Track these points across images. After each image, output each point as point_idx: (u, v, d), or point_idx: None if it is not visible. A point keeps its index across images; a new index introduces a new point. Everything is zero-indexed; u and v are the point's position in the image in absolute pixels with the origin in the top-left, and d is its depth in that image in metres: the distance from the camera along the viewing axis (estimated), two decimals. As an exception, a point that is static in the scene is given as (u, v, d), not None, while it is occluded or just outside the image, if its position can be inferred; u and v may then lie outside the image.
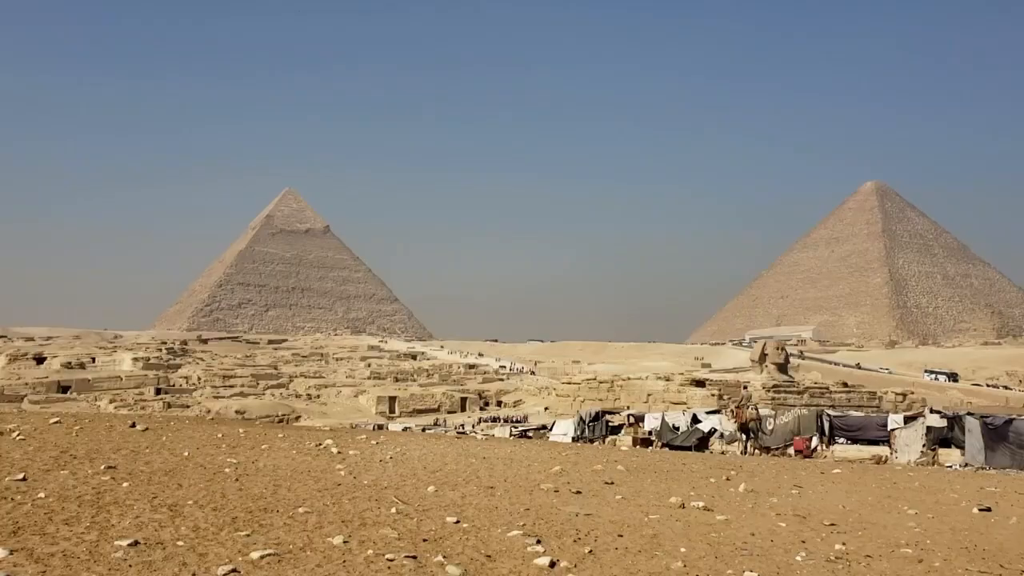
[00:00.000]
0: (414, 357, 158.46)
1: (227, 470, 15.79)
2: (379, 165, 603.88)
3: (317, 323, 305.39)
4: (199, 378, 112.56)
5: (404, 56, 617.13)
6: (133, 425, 24.15)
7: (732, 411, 37.33)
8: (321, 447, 21.33)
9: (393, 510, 12.53)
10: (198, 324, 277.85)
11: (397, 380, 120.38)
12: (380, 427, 61.11)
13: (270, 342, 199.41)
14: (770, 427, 36.08)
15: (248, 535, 10.17)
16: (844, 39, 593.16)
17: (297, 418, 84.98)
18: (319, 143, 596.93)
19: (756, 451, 33.94)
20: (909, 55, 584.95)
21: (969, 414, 31.72)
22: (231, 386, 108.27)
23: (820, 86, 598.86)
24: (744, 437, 35.33)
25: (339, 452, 20.39)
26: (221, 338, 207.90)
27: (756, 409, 35.60)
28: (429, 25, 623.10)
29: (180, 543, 9.57)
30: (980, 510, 15.51)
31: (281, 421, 75.19)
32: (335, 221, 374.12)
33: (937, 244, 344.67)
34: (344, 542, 10.06)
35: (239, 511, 11.67)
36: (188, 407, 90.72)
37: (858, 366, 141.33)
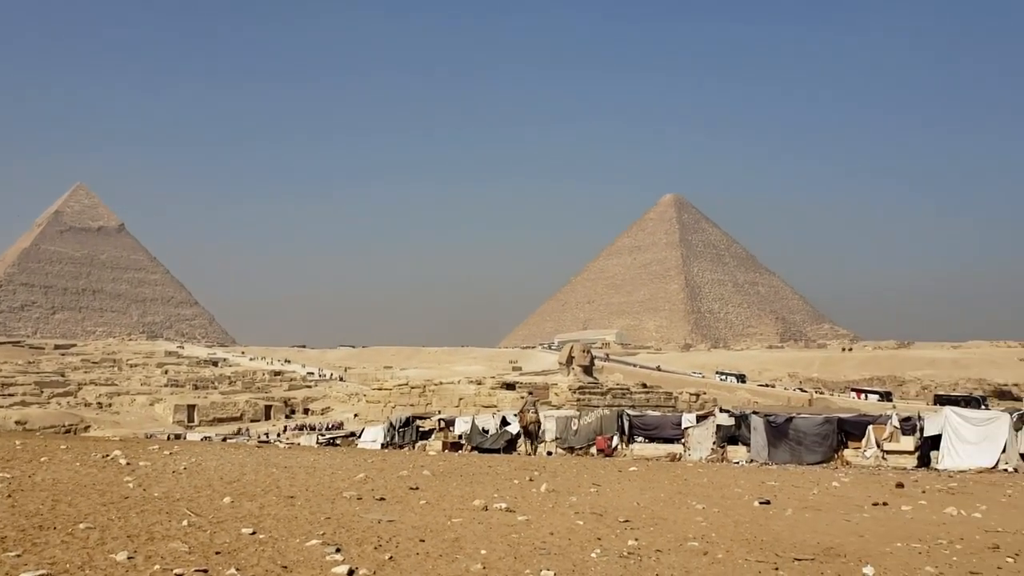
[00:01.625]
0: (215, 364, 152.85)
1: (-1, 486, 14.52)
2: (178, 162, 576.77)
3: (110, 327, 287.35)
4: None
5: (187, 46, 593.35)
6: None
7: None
8: (108, 459, 20.04)
9: (185, 523, 11.94)
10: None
11: (197, 388, 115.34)
12: (177, 437, 58.37)
13: (57, 347, 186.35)
14: (574, 427, 37.23)
15: (18, 555, 9.37)
16: (646, 58, 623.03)
17: (86, 428, 79.66)
18: (113, 135, 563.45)
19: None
20: (705, 75, 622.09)
21: (754, 413, 33.83)
22: (11, 395, 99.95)
23: (629, 99, 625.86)
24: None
25: (128, 464, 19.23)
26: (1, 343, 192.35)
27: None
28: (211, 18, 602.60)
29: (-64, 569, 8.70)
30: (760, 503, 16.57)
31: (68, 431, 70.32)
32: (131, 220, 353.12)
33: (728, 254, 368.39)
34: (129, 558, 9.47)
35: (10, 530, 10.75)
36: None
37: (658, 368, 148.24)
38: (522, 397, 68.88)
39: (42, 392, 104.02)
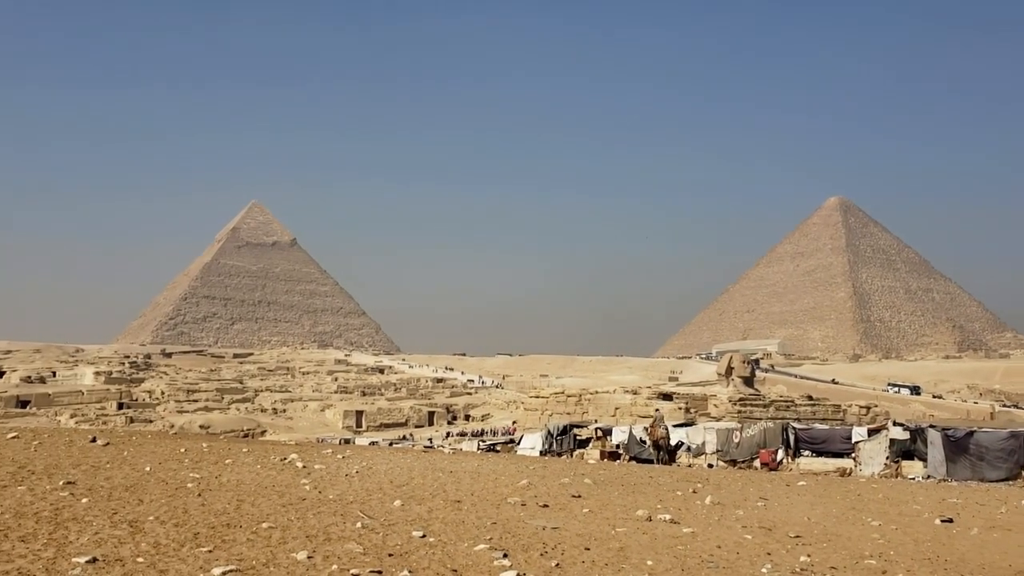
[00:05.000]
0: (381, 371, 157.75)
1: (189, 485, 15.56)
2: (347, 178, 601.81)
3: (283, 337, 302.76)
4: (163, 392, 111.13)
5: (374, 68, 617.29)
6: (93, 440, 23.73)
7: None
8: (286, 462, 21.10)
9: (358, 525, 12.41)
10: (162, 338, 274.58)
11: (364, 394, 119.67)
12: (347, 441, 60.71)
13: (235, 356, 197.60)
14: (736, 440, 36.37)
15: (210, 551, 10.01)
16: (810, 56, 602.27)
17: (262, 433, 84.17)
18: (287, 155, 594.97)
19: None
20: (873, 73, 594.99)
21: (931, 427, 32.07)
22: (195, 400, 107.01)
23: (786, 102, 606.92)
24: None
25: (304, 467, 20.18)
26: (186, 352, 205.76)
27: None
28: (398, 35, 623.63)
29: (140, 559, 9.40)
30: (942, 521, 15.67)
31: (246, 436, 74.47)
32: (302, 234, 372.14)
33: (899, 259, 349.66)
34: (308, 557, 9.94)
35: (201, 527, 11.49)
36: (151, 422, 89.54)
37: (834, 381, 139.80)
38: (679, 408, 67.87)
39: (223, 398, 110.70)
